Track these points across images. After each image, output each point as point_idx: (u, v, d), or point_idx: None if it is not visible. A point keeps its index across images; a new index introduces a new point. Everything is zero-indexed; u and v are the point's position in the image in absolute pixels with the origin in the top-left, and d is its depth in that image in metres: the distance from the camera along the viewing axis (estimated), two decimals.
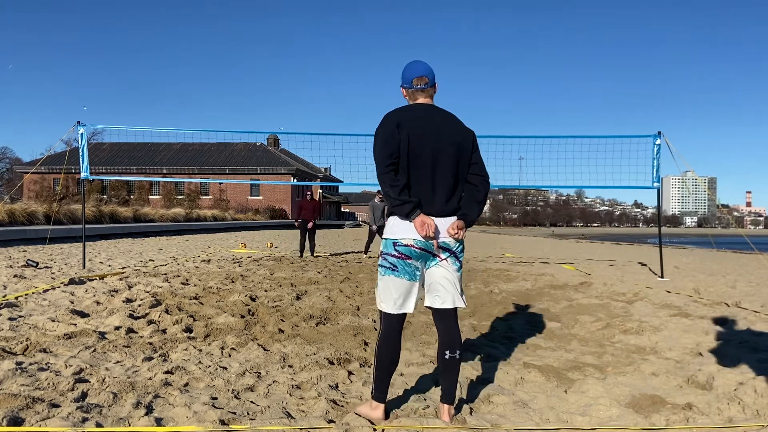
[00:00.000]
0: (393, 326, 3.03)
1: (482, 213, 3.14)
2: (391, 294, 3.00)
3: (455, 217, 3.03)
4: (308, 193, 14.36)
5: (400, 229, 2.97)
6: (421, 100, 3.11)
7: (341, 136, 11.02)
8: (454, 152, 3.00)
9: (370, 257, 14.47)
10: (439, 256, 3.01)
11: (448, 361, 3.03)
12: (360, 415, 3.05)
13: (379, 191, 13.73)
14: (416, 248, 2.95)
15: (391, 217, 3.05)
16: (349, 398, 3.43)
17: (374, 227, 14.90)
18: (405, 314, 3.04)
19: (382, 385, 3.03)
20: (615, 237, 64.64)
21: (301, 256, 14.14)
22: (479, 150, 3.14)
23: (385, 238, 3.04)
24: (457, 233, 2.98)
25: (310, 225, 14.08)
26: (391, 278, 2.99)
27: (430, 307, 3.09)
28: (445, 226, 2.99)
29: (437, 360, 3.11)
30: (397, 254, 2.98)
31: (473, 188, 3.09)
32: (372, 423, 2.98)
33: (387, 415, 3.06)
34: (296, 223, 14.31)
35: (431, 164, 2.96)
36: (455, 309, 3.07)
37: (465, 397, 3.47)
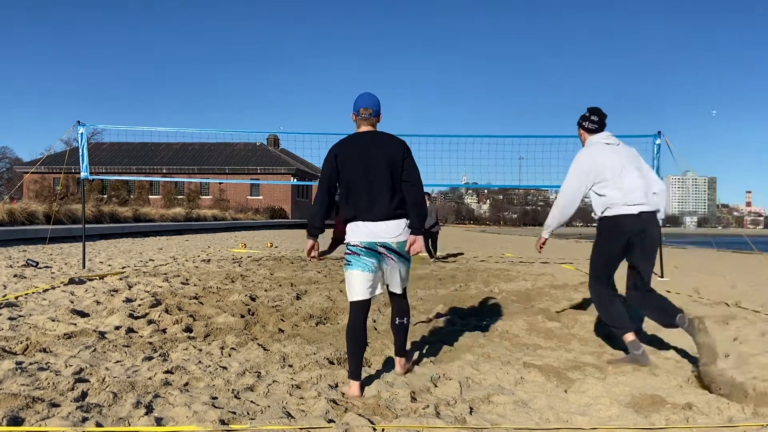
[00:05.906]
0: (358, 312, 3.62)
1: (427, 217, 3.83)
2: (352, 284, 3.61)
3: (396, 220, 3.59)
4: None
5: (350, 233, 3.65)
6: (363, 127, 3.75)
7: (341, 135, 11.00)
8: (386, 166, 3.56)
9: (436, 260, 13.56)
10: (386, 255, 3.60)
11: (398, 326, 3.85)
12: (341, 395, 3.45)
13: (427, 193, 12.73)
14: (361, 247, 3.60)
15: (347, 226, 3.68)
16: (348, 398, 3.43)
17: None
18: (367, 301, 3.63)
19: (353, 365, 3.56)
20: None
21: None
22: (411, 158, 3.63)
23: (345, 243, 3.72)
24: (409, 249, 3.61)
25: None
26: (350, 272, 3.62)
27: (388, 290, 3.81)
28: (387, 228, 3.56)
29: (390, 324, 3.91)
30: (349, 252, 3.64)
31: (405, 195, 3.60)
32: (372, 422, 2.99)
33: (362, 392, 3.52)
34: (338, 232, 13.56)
35: (367, 181, 3.56)
36: (404, 291, 3.83)
37: (465, 397, 3.47)
